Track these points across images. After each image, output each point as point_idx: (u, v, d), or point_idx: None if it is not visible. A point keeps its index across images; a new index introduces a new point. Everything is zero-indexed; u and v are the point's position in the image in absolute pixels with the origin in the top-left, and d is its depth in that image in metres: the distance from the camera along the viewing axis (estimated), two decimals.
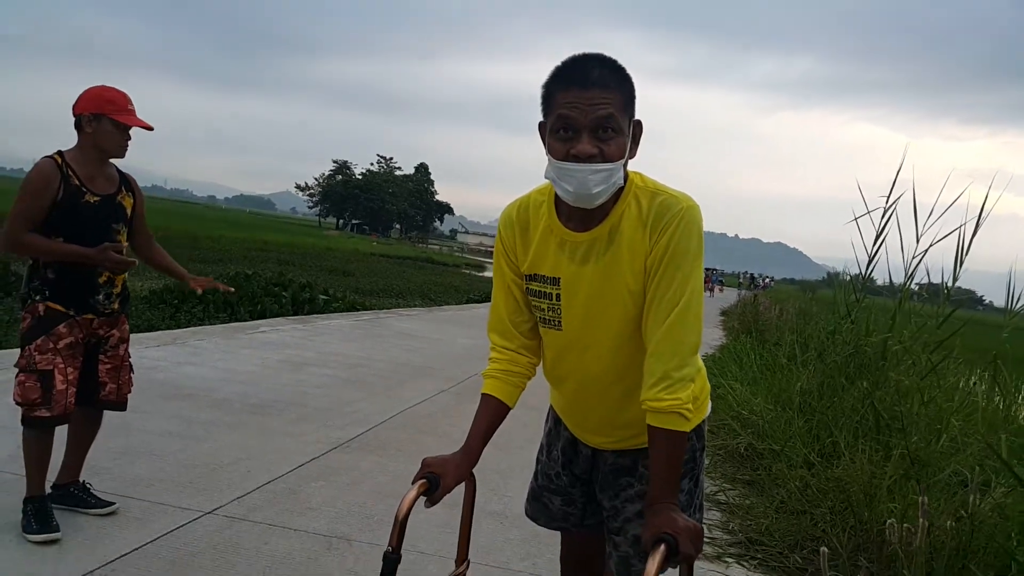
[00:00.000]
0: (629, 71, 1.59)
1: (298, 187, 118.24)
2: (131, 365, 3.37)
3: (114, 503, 3.33)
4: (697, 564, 3.67)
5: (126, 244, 3.23)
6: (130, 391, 3.36)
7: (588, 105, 1.52)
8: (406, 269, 33.18)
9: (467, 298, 21.38)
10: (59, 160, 3.04)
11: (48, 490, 3.19)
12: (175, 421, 4.84)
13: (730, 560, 3.83)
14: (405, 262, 40.38)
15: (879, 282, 6.74)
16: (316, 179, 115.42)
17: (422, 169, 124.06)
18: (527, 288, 1.79)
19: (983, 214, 4.23)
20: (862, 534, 3.74)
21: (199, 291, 3.66)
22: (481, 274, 41.89)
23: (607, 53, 1.59)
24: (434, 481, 1.66)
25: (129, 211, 3.22)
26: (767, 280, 72.85)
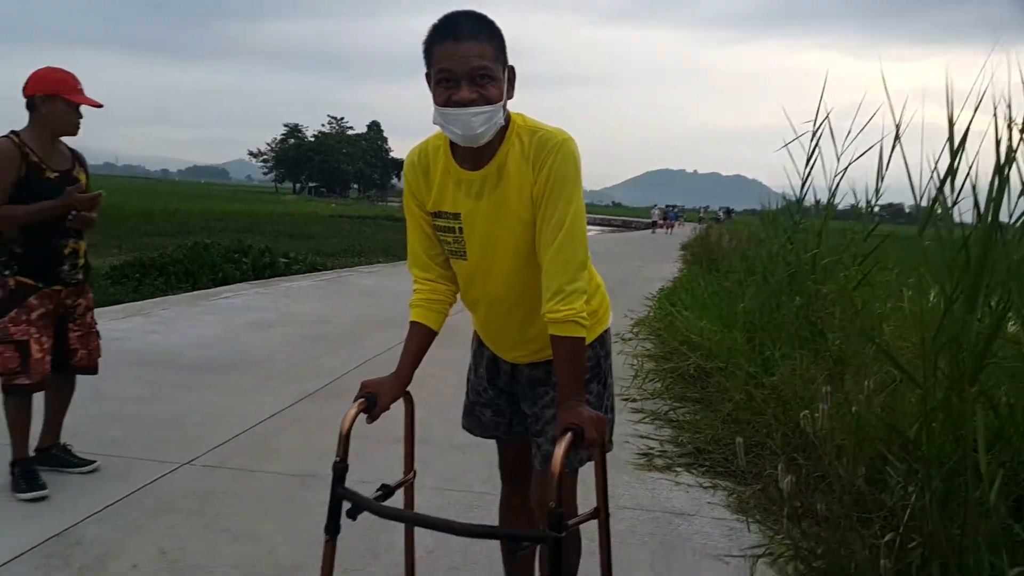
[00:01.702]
0: (498, 24, 1.77)
1: (251, 154, 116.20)
2: (98, 332, 3.53)
3: (95, 461, 3.52)
4: (648, 474, 4.01)
5: (84, 182, 3.33)
6: (100, 356, 3.53)
7: (463, 56, 1.71)
8: (366, 228, 33.07)
9: None
10: (16, 139, 3.16)
11: (32, 454, 3.36)
12: (146, 386, 5.00)
13: (680, 469, 4.14)
14: (365, 221, 40.16)
15: (840, 204, 6.91)
16: (268, 144, 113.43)
17: (375, 127, 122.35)
18: (434, 224, 1.98)
19: (900, 129, 4.46)
20: (798, 436, 4.05)
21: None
22: None
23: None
24: (371, 400, 1.87)
25: (84, 185, 3.34)
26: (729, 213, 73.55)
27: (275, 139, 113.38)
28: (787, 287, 5.83)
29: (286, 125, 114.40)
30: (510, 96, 1.82)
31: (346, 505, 1.77)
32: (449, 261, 2.03)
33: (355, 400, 1.87)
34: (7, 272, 3.17)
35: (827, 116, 5.31)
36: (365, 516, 1.76)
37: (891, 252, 6.43)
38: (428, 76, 1.79)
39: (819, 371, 4.19)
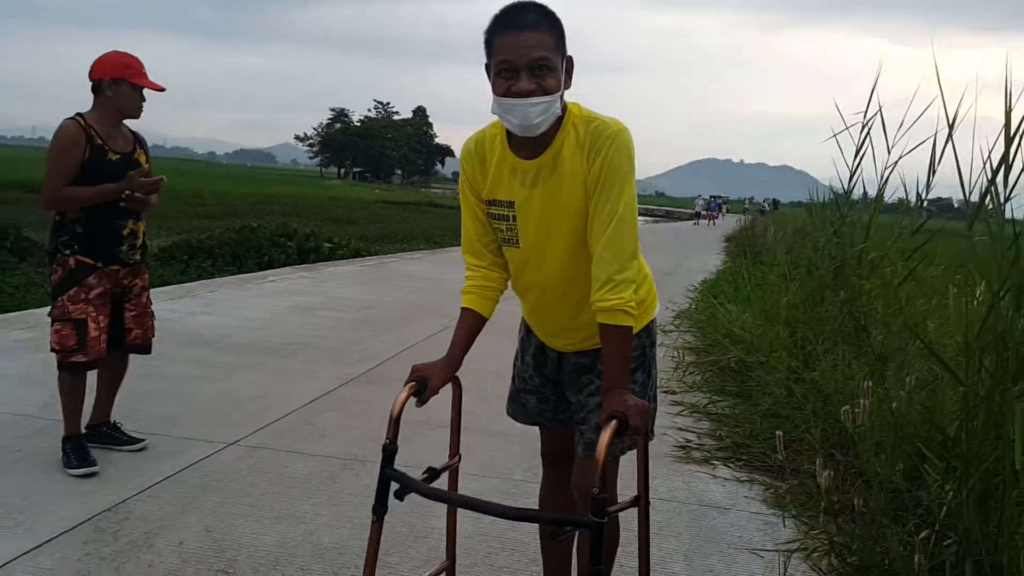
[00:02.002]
0: (558, 15, 1.80)
1: (297, 138, 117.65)
2: (153, 312, 3.65)
3: (144, 439, 3.64)
4: (686, 467, 4.01)
5: (145, 165, 3.43)
6: (154, 335, 3.65)
7: (524, 47, 1.74)
8: (409, 214, 33.36)
9: None
10: (81, 121, 3.27)
11: (83, 430, 3.49)
12: (195, 365, 5.16)
13: (717, 462, 4.13)
14: (408, 207, 40.50)
15: (889, 198, 6.79)
16: (315, 129, 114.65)
17: (420, 112, 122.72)
18: (488, 212, 2.01)
19: (955, 122, 4.35)
20: (836, 433, 4.01)
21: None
22: None
23: None
24: (422, 384, 1.91)
25: (147, 169, 3.44)
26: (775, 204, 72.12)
27: (321, 123, 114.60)
28: (832, 281, 5.75)
29: (332, 109, 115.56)
30: (567, 86, 1.85)
31: (394, 486, 1.81)
32: (499, 247, 2.06)
33: (406, 383, 1.90)
34: (67, 252, 3.28)
35: (879, 109, 5.19)
36: (407, 500, 1.81)
37: (939, 248, 6.29)
38: (488, 67, 1.83)
39: (861, 367, 4.13)
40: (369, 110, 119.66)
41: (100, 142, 3.28)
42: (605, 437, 1.66)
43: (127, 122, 3.45)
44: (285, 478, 3.44)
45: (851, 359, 4.37)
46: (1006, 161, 2.49)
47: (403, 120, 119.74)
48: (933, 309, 5.14)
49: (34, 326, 5.81)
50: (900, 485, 2.76)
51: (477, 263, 2.08)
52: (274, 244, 12.70)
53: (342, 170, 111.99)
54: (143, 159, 3.46)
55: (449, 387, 2.04)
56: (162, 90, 3.41)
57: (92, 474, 3.29)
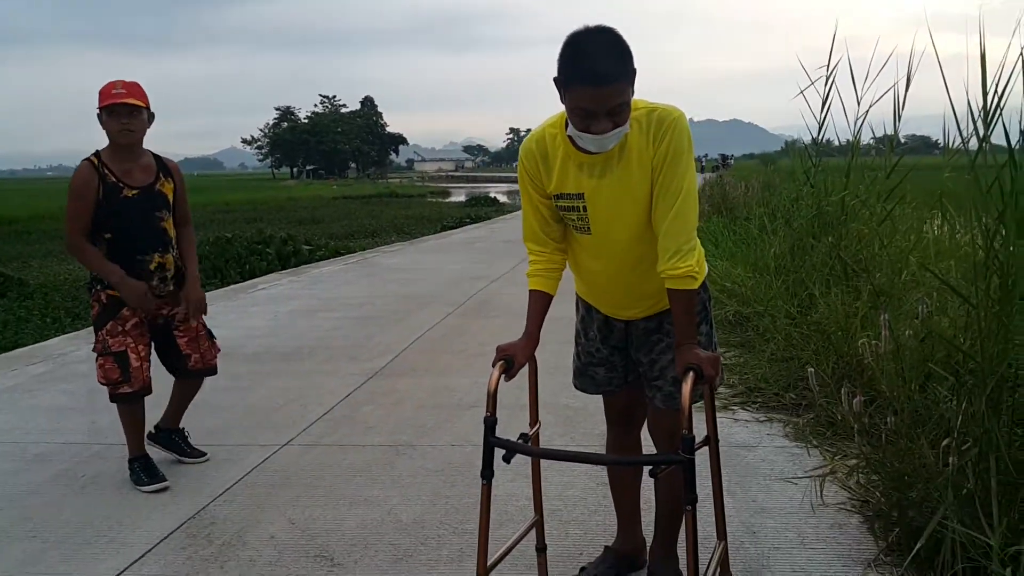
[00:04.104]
0: (629, 44, 1.88)
1: (244, 141, 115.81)
2: (209, 332, 3.71)
3: (206, 452, 3.80)
4: None
5: (169, 194, 3.47)
6: (214, 355, 3.72)
7: (604, 99, 1.87)
8: (373, 207, 33.28)
9: (441, 226, 21.72)
10: (95, 161, 3.33)
11: (152, 430, 3.67)
12: (221, 377, 5.25)
13: (735, 408, 4.43)
14: (370, 200, 40.40)
15: (836, 143, 7.18)
16: (261, 130, 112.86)
17: (368, 103, 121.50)
18: (556, 205, 2.19)
19: (912, 66, 4.66)
20: (843, 366, 4.32)
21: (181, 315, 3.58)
22: (447, 200, 41.95)
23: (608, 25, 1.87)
24: (509, 361, 2.14)
25: (171, 197, 3.50)
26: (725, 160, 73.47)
27: (267, 124, 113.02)
28: (814, 229, 6.06)
29: (277, 109, 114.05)
30: (632, 94, 1.96)
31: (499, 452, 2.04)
32: (561, 234, 2.26)
33: (495, 363, 2.12)
34: (99, 286, 3.37)
35: (843, 57, 5.47)
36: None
37: (908, 184, 6.63)
38: (558, 83, 1.93)
39: (862, 305, 4.44)
40: (315, 106, 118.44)
41: (114, 179, 3.31)
42: (687, 387, 1.91)
43: (152, 149, 3.50)
44: (346, 469, 3.64)
45: (849, 299, 4.68)
46: (986, 110, 2.75)
47: (352, 112, 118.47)
48: (913, 244, 5.47)
49: (44, 359, 5.95)
50: (919, 403, 3.06)
51: (540, 249, 2.28)
52: (252, 252, 12.75)
53: (295, 169, 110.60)
54: (168, 188, 3.47)
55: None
56: (122, 102, 3.26)
57: (164, 488, 3.43)
